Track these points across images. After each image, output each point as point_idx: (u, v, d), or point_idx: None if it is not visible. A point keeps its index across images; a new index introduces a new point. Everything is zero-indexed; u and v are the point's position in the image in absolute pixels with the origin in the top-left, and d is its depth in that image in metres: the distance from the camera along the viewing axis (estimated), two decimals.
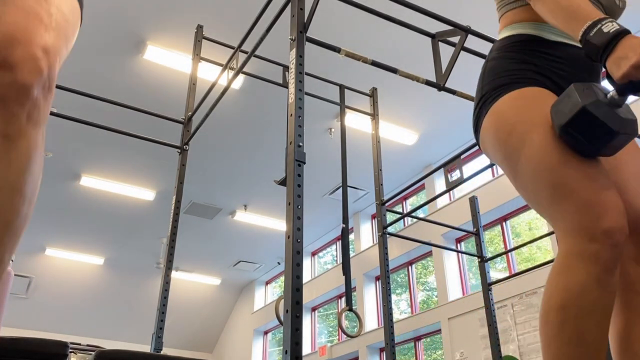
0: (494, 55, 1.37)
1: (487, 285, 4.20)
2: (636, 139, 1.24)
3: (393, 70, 3.07)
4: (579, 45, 1.22)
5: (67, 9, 0.79)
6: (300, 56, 2.21)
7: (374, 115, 4.30)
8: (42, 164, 0.70)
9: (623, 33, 1.03)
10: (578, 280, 1.02)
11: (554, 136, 1.12)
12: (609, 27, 1.05)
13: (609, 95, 1.08)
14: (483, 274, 4.29)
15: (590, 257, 1.01)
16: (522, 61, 1.30)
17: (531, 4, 1.26)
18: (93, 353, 1.93)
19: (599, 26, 1.06)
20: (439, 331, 8.63)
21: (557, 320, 1.02)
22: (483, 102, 1.30)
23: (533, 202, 1.19)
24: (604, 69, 1.12)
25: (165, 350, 3.11)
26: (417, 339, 9.35)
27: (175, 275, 11.65)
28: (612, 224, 1.02)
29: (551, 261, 4.09)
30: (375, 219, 9.02)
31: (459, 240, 8.90)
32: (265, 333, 13.72)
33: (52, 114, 3.52)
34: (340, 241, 4.17)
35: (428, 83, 3.10)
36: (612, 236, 1.02)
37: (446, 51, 3.00)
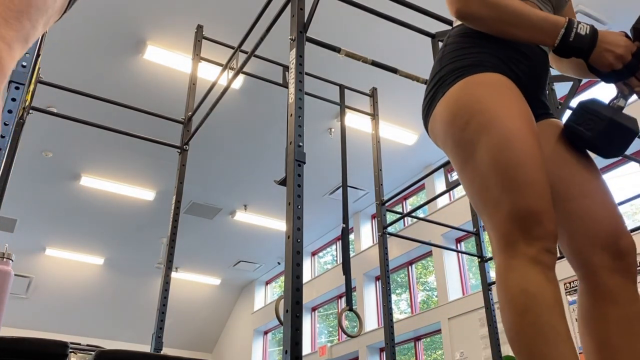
0: (452, 39, 1.32)
1: (487, 285, 4.20)
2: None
3: (393, 70, 3.07)
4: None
5: None
6: (300, 56, 2.21)
7: (374, 115, 4.30)
8: None
9: (596, 31, 1.18)
10: (531, 280, 1.03)
11: (513, 134, 1.13)
12: (583, 29, 1.18)
13: (611, 104, 1.24)
14: (483, 274, 4.29)
15: (533, 259, 1.05)
16: (482, 46, 1.26)
17: (467, 20, 1.26)
18: (93, 353, 1.93)
19: (574, 31, 1.18)
20: (439, 331, 8.63)
21: (527, 324, 1.02)
22: (439, 84, 1.26)
23: (476, 195, 1.16)
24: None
25: (165, 350, 3.11)
26: (417, 339, 9.35)
27: (175, 275, 11.65)
28: (548, 230, 1.07)
29: None
30: (375, 219, 9.02)
31: (459, 240, 8.90)
32: (265, 333, 13.72)
33: (52, 114, 3.53)
34: (340, 241, 4.18)
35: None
36: (547, 242, 1.06)
37: None
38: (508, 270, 1.07)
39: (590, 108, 1.23)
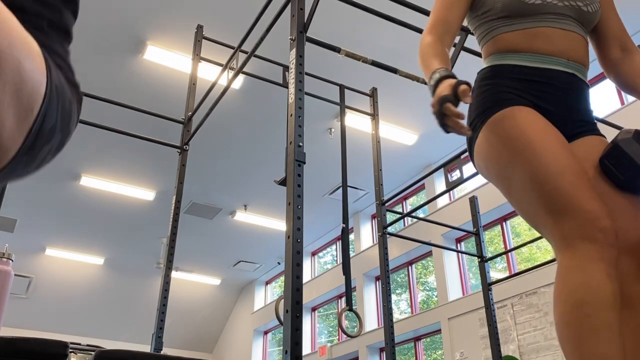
0: (476, 85, 1.46)
1: (487, 285, 4.20)
2: None
3: (393, 70, 3.07)
4: (558, 68, 1.36)
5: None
6: (300, 56, 2.21)
7: (374, 115, 4.29)
8: None
9: (438, 81, 1.24)
10: (592, 276, 1.07)
11: (543, 151, 1.22)
12: (433, 80, 1.27)
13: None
14: (483, 274, 4.29)
15: (594, 255, 1.08)
16: (502, 86, 1.38)
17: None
18: (93, 353, 1.93)
19: (429, 79, 1.29)
20: (439, 331, 8.63)
21: (582, 315, 1.05)
22: (472, 129, 1.39)
23: (528, 214, 1.25)
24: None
25: (165, 350, 3.11)
26: (417, 339, 9.35)
27: (175, 275, 11.65)
28: (606, 225, 1.11)
29: (551, 261, 4.09)
30: (375, 219, 9.01)
31: (459, 240, 8.90)
32: (265, 333, 13.72)
33: None
34: (340, 241, 4.18)
35: None
36: (607, 236, 1.10)
37: None
38: (569, 268, 1.11)
39: (624, 151, 1.30)
